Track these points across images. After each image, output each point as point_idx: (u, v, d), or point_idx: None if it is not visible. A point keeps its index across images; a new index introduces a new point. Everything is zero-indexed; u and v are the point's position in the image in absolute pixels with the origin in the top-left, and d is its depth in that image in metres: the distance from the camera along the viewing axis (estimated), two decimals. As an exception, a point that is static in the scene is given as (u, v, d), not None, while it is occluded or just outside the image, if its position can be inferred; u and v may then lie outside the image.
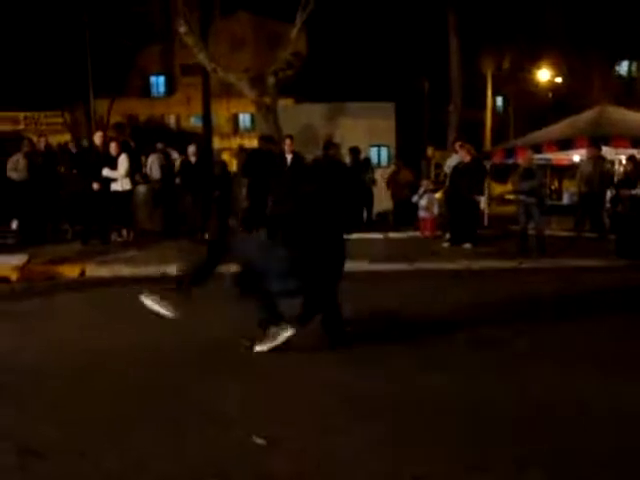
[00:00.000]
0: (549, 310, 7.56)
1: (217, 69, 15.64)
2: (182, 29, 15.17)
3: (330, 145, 14.79)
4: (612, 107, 16.61)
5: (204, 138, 26.05)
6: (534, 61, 36.43)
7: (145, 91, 43.16)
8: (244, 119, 41.06)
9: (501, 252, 11.41)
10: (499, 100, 41.93)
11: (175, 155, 15.37)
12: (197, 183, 13.53)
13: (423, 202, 14.03)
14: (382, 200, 16.40)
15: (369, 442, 3.97)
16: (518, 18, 33.06)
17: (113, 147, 12.72)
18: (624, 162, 14.70)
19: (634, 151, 14.11)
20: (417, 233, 14.04)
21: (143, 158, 14.69)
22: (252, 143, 24.41)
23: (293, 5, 15.33)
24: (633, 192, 12.58)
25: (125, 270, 9.92)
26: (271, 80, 15.16)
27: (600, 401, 4.68)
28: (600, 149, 13.69)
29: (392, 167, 17.34)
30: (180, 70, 41.38)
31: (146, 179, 14.15)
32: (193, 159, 13.95)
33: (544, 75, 37.07)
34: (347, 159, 15.21)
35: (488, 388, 4.96)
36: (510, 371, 5.40)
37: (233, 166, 18.97)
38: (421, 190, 14.51)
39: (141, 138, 20.78)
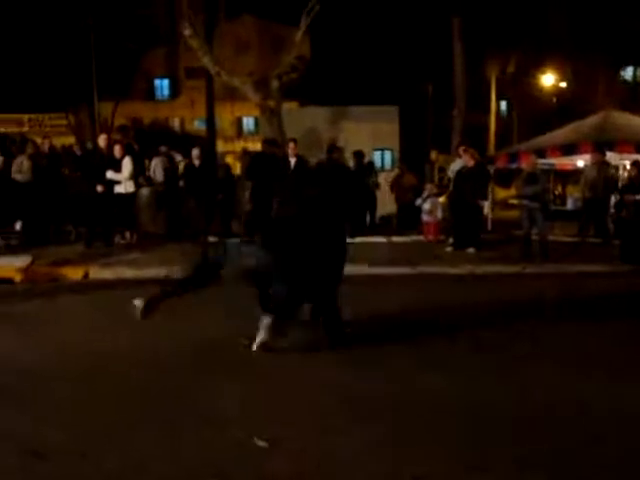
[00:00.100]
0: (551, 314, 7.54)
1: (221, 72, 15.63)
2: (187, 32, 15.18)
3: (334, 149, 14.81)
4: (617, 112, 16.59)
5: (208, 141, 26.09)
6: (538, 66, 36.40)
7: (149, 94, 43.21)
8: (248, 122, 41.08)
9: (504, 257, 11.39)
10: (503, 104, 41.89)
11: (179, 158, 15.39)
12: (201, 186, 13.54)
13: (427, 206, 14.02)
14: (385, 204, 16.39)
15: (369, 443, 3.97)
16: (523, 22, 33.05)
17: (117, 150, 12.73)
18: (628, 167, 14.66)
19: (639, 156, 14.08)
20: (420, 237, 14.02)
21: (147, 161, 14.70)
22: (256, 146, 24.42)
23: (298, 9, 15.34)
24: (637, 197, 12.53)
25: (128, 272, 9.93)
26: (275, 83, 15.16)
27: (601, 402, 4.68)
28: (604, 154, 13.67)
29: (396, 171, 17.34)
30: (184, 73, 41.43)
31: (150, 182, 14.16)
32: (197, 162, 13.98)
33: (548, 80, 37.04)
34: (351, 163, 15.22)
35: (488, 389, 4.97)
36: (510, 372, 5.40)
37: (237, 169, 18.99)
38: (425, 194, 14.49)
39: (145, 141, 20.82)
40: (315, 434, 4.09)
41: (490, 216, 15.78)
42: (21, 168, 12.81)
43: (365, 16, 31.28)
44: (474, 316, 7.43)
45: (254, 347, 5.75)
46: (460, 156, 13.67)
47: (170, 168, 14.34)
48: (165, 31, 35.79)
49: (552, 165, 17.42)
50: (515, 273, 10.29)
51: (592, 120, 16.09)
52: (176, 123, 40.54)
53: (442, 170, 23.42)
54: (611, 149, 13.94)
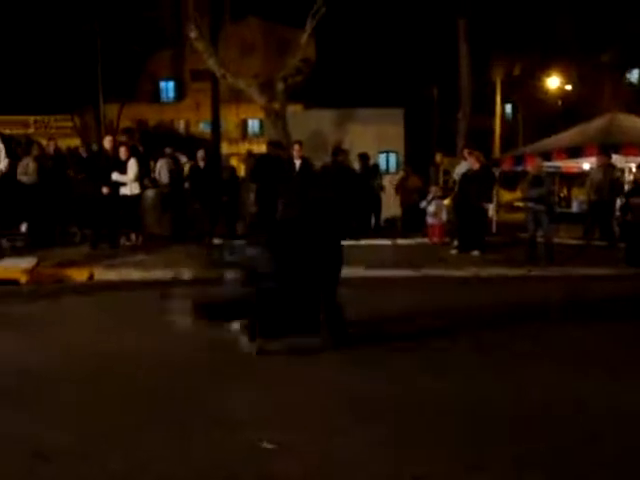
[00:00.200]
0: (555, 316, 7.53)
1: (227, 75, 15.67)
2: (192, 34, 15.22)
3: (339, 151, 14.82)
4: (622, 115, 16.55)
5: (213, 143, 26.13)
6: (544, 68, 36.35)
7: (155, 96, 43.28)
8: (253, 125, 41.12)
9: (509, 260, 11.37)
10: (508, 107, 41.84)
11: (183, 159, 15.42)
12: (206, 188, 13.56)
13: (431, 208, 14.01)
14: (390, 206, 16.39)
15: (372, 443, 3.98)
16: (528, 25, 33.02)
17: (122, 151, 12.75)
18: (634, 170, 14.64)
19: (644, 159, 14.08)
20: (425, 239, 14.01)
21: (152, 163, 14.73)
22: (260, 149, 24.44)
23: (303, 11, 15.35)
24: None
25: (133, 274, 9.94)
26: (280, 86, 15.18)
27: (599, 401, 4.70)
28: (610, 157, 13.64)
29: (401, 173, 17.33)
30: (190, 75, 41.50)
31: (155, 184, 14.18)
32: (202, 164, 14.00)
33: (554, 82, 36.99)
34: (356, 165, 15.22)
35: (488, 389, 4.98)
36: (511, 373, 5.42)
37: (241, 171, 19.00)
38: (429, 196, 14.49)
39: (150, 143, 20.84)
40: (321, 435, 4.09)
41: (495, 219, 15.75)
42: (27, 170, 12.83)
43: (370, 18, 31.28)
44: (477, 318, 7.43)
45: (246, 350, 5.75)
46: (465, 159, 13.66)
47: (175, 170, 14.36)
48: (171, 33, 35.85)
49: (558, 168, 17.39)
50: (520, 276, 10.27)
51: (598, 123, 16.06)
52: (181, 125, 40.60)
53: (447, 173, 23.40)
54: (617, 152, 13.91)
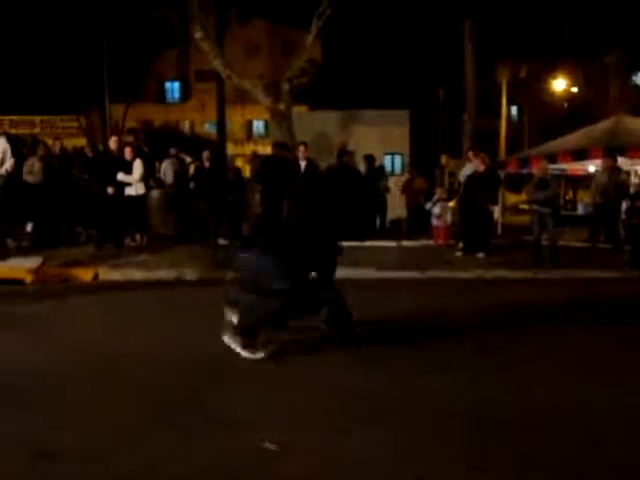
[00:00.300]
0: (560, 319, 7.51)
1: (232, 75, 15.68)
2: (198, 35, 15.23)
3: (344, 153, 14.83)
4: (628, 117, 16.52)
5: (218, 144, 26.14)
6: (550, 71, 36.31)
7: (160, 96, 43.36)
8: (258, 125, 41.17)
9: (514, 262, 11.35)
10: (514, 109, 41.80)
11: (188, 160, 15.43)
12: (211, 188, 13.57)
13: (436, 210, 13.99)
14: (395, 208, 16.38)
15: (375, 444, 3.98)
16: (534, 27, 32.98)
17: (128, 152, 12.76)
18: (640, 173, 14.63)
19: (650, 162, 14.05)
20: (430, 241, 13.99)
21: (157, 163, 14.75)
22: (266, 150, 24.46)
23: (309, 12, 15.35)
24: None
25: (137, 274, 9.96)
26: (285, 87, 15.18)
27: (603, 403, 4.69)
28: (616, 160, 13.60)
29: (406, 175, 17.32)
30: (195, 76, 41.57)
31: (160, 184, 14.20)
32: (207, 164, 14.01)
33: (559, 85, 36.94)
34: (361, 167, 15.22)
35: (491, 391, 4.98)
36: (515, 375, 5.42)
37: (246, 172, 19.01)
38: (435, 198, 14.47)
39: (155, 143, 20.86)
40: (323, 436, 4.10)
41: (500, 221, 15.73)
42: (32, 170, 12.86)
43: (376, 20, 31.27)
44: (481, 320, 7.44)
45: (243, 355, 5.76)
46: (470, 160, 13.65)
47: (180, 170, 14.38)
48: (176, 34, 35.90)
49: (563, 170, 17.36)
50: (525, 278, 10.26)
51: (603, 125, 16.03)
52: (186, 126, 40.67)
53: (452, 175, 23.39)
54: (622, 154, 13.88)
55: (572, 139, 16.19)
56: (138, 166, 12.60)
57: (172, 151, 14.78)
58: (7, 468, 3.65)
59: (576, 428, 4.30)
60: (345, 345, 5.93)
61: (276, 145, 14.05)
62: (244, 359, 5.68)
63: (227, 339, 5.81)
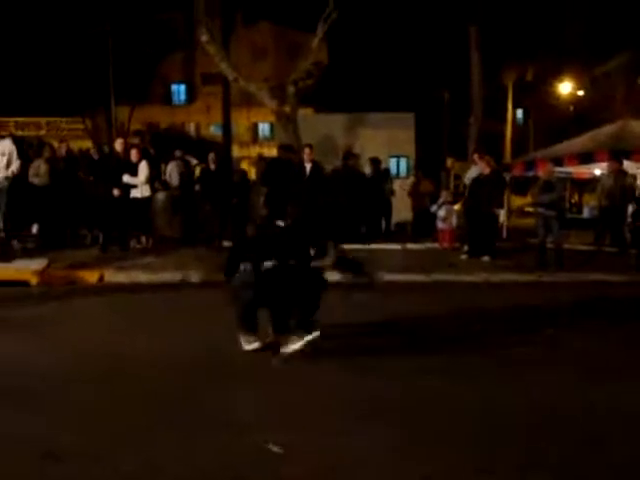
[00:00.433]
0: (564, 322, 7.48)
1: (238, 78, 15.70)
2: (204, 38, 15.25)
3: (349, 155, 14.83)
4: (634, 121, 16.47)
5: (224, 147, 26.17)
6: (556, 74, 36.27)
7: (166, 99, 43.47)
8: (263, 128, 41.23)
9: (519, 265, 11.33)
10: (519, 112, 41.76)
11: (194, 162, 15.46)
12: (216, 191, 13.59)
13: (441, 213, 13.99)
14: (400, 211, 16.38)
15: (378, 445, 3.97)
16: (540, 31, 32.97)
17: (134, 154, 12.79)
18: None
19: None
20: (435, 244, 13.99)
21: (163, 165, 14.77)
22: (271, 152, 24.48)
23: (315, 15, 15.37)
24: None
25: (143, 276, 9.97)
26: (291, 90, 15.20)
27: (605, 405, 4.68)
28: (621, 163, 13.58)
29: (411, 178, 17.32)
30: (201, 79, 41.65)
31: (165, 186, 14.22)
32: (213, 167, 14.03)
33: (566, 88, 36.90)
34: (366, 169, 15.23)
35: (492, 392, 4.98)
36: (517, 377, 5.41)
37: (252, 175, 19.05)
38: (440, 201, 14.47)
39: (161, 145, 20.90)
40: (324, 436, 4.10)
41: (506, 224, 15.71)
42: (38, 172, 12.90)
43: (382, 23, 31.31)
44: (485, 323, 7.43)
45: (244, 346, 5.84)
46: (475, 163, 13.64)
47: (186, 172, 14.41)
48: (182, 37, 35.97)
49: (569, 173, 17.34)
50: (530, 281, 10.24)
51: (609, 128, 16.01)
52: (192, 128, 40.76)
53: (458, 177, 23.38)
54: (628, 158, 13.85)
55: (578, 142, 16.17)
56: (144, 168, 12.63)
57: (178, 153, 14.81)
58: (13, 469, 3.66)
59: (577, 428, 4.29)
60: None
61: (282, 147, 14.06)
62: (247, 361, 5.68)
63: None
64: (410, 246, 13.85)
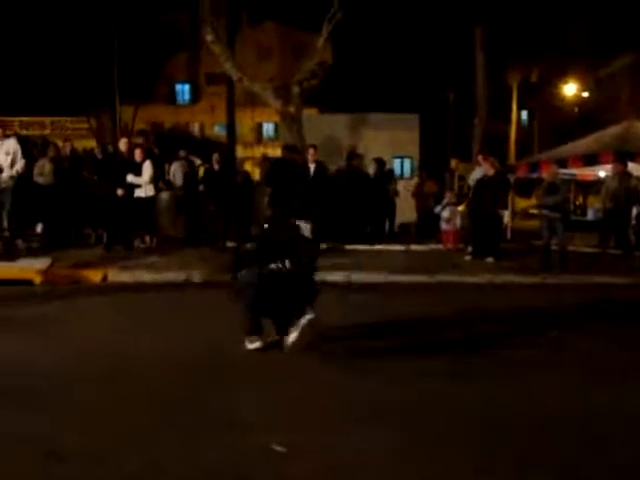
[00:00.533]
0: (567, 323, 7.46)
1: (243, 79, 15.69)
2: (209, 37, 15.24)
3: (354, 156, 14.82)
4: (639, 122, 16.45)
5: (228, 147, 26.16)
6: (560, 75, 36.23)
7: (170, 98, 43.51)
8: (268, 128, 41.26)
9: (523, 267, 11.31)
10: (524, 114, 41.72)
11: (198, 162, 15.45)
12: (220, 191, 13.58)
13: (445, 214, 13.97)
14: (404, 211, 16.36)
15: (377, 444, 3.97)
16: (545, 32, 32.93)
17: (138, 153, 12.79)
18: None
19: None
20: (439, 245, 13.97)
21: (167, 165, 14.77)
22: (275, 152, 24.48)
23: (319, 15, 15.36)
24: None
25: (146, 276, 9.97)
26: (296, 90, 15.19)
27: (609, 407, 4.66)
28: (626, 165, 13.55)
29: (415, 179, 17.29)
30: (205, 79, 41.68)
31: (170, 186, 14.23)
32: (217, 167, 14.03)
33: (570, 89, 36.85)
34: (370, 170, 15.21)
35: (491, 391, 4.97)
36: (517, 378, 5.41)
37: (256, 175, 19.03)
38: (444, 202, 14.45)
39: (165, 145, 20.90)
40: (325, 436, 4.09)
41: (510, 225, 15.69)
42: (43, 171, 12.91)
43: (387, 23, 31.29)
44: (488, 324, 7.44)
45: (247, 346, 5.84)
46: (480, 164, 13.62)
47: (190, 172, 14.40)
48: (187, 36, 35.99)
49: (573, 175, 17.31)
50: (534, 283, 10.23)
51: (614, 130, 15.99)
52: (196, 128, 40.80)
53: (462, 179, 23.36)
54: (633, 160, 13.82)
55: (582, 144, 16.15)
56: (148, 168, 12.64)
57: (182, 153, 14.81)
58: (16, 468, 3.66)
59: (579, 430, 4.28)
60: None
61: (286, 148, 14.04)
62: (249, 361, 5.68)
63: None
64: (414, 247, 13.83)
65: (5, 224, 11.66)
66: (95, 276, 9.94)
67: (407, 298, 8.98)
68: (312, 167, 13.41)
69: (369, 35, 32.04)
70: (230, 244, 12.81)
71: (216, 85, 33.98)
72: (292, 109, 15.29)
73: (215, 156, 14.28)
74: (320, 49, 15.85)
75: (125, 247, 12.29)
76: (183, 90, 44.60)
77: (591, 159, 14.72)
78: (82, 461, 3.74)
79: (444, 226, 14.07)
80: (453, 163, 31.99)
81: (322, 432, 4.19)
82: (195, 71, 42.64)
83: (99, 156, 14.08)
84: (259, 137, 41.60)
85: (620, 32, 31.48)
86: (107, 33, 28.34)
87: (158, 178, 13.43)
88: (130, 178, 12.50)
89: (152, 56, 32.96)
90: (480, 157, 13.60)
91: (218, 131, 36.59)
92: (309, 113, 21.04)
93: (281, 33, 40.62)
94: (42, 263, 10.26)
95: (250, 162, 30.17)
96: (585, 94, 37.14)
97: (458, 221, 13.89)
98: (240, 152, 31.55)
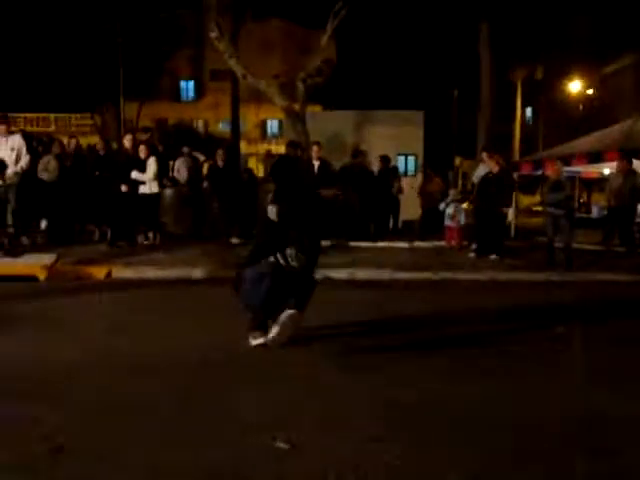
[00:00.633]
0: (570, 321, 7.42)
1: (247, 75, 15.68)
2: (213, 34, 15.24)
3: (358, 153, 14.82)
4: (644, 120, 16.41)
5: (232, 143, 26.18)
6: (565, 73, 36.16)
7: (175, 95, 43.53)
8: (272, 125, 41.27)
9: (527, 264, 11.31)
10: (529, 111, 41.65)
11: (202, 158, 15.46)
12: (224, 187, 13.59)
13: (449, 211, 13.96)
14: (408, 208, 16.35)
15: (380, 445, 3.96)
16: (549, 29, 32.87)
17: (142, 150, 12.81)
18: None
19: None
20: (443, 243, 13.97)
21: (171, 162, 14.79)
22: (279, 149, 24.50)
23: (324, 12, 15.33)
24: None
25: (150, 272, 9.99)
26: (301, 87, 15.17)
27: (613, 409, 4.64)
28: (631, 162, 13.52)
29: (419, 176, 17.27)
30: (209, 75, 41.69)
31: (174, 182, 14.24)
32: (221, 163, 14.04)
33: (575, 86, 36.78)
34: (374, 167, 15.21)
35: (490, 391, 4.97)
36: (519, 377, 5.39)
37: (260, 172, 19.06)
38: (448, 199, 14.44)
39: (169, 142, 20.93)
40: (327, 437, 4.08)
41: (514, 223, 15.68)
42: (47, 167, 12.94)
43: (391, 20, 31.24)
44: (491, 322, 7.42)
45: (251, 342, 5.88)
46: (483, 162, 13.60)
47: (194, 169, 14.42)
48: (192, 33, 36.00)
49: (578, 172, 17.28)
50: (538, 281, 10.22)
51: (619, 127, 15.95)
52: (200, 125, 40.81)
53: (465, 176, 23.34)
54: (638, 157, 13.79)
55: (587, 141, 16.11)
56: (152, 164, 12.66)
57: (185, 150, 14.82)
58: (20, 462, 3.67)
59: (579, 429, 4.28)
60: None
61: (290, 145, 14.05)
62: (250, 358, 5.70)
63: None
64: (418, 244, 13.83)
65: (10, 220, 11.69)
66: (99, 272, 9.96)
67: (410, 295, 8.98)
68: (316, 164, 13.41)
69: (373, 32, 32.01)
70: (234, 240, 12.83)
71: (220, 82, 34.04)
72: (297, 106, 15.28)
73: (219, 152, 14.29)
74: (324, 46, 15.83)
75: (129, 243, 12.32)
76: (187, 87, 44.61)
77: (596, 156, 14.69)
78: (83, 458, 3.75)
79: (448, 223, 14.06)
80: (457, 161, 31.97)
81: (322, 431, 4.18)
82: (199, 68, 42.65)
83: (102, 153, 14.10)
84: (263, 134, 41.62)
85: (625, 29, 31.42)
86: (111, 30, 28.41)
87: (162, 175, 13.44)
88: (134, 174, 12.53)
89: (156, 53, 32.98)
90: (485, 154, 13.58)
91: (222, 128, 36.62)
92: (313, 110, 21.02)
93: (285, 30, 40.59)
94: (47, 259, 10.29)
95: (254, 159, 30.18)
96: (590, 91, 37.07)
97: (462, 218, 13.89)
98: (244, 149, 31.63)
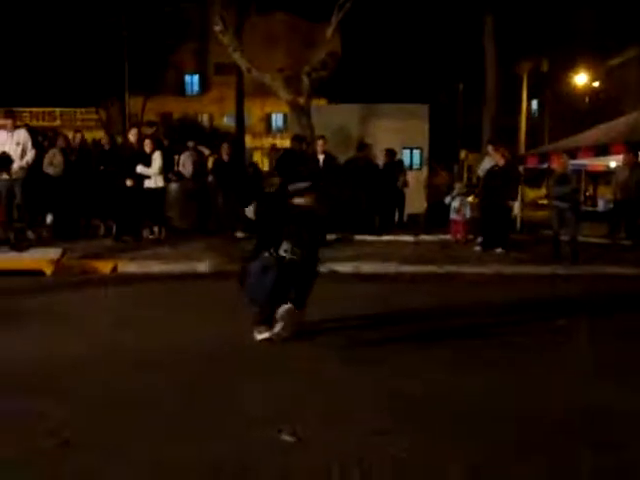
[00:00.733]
0: (575, 314, 7.43)
1: (252, 69, 15.67)
2: (217, 27, 15.23)
3: (363, 146, 14.79)
4: (651, 112, 16.35)
5: (237, 137, 26.18)
6: (571, 65, 36.01)
7: (179, 89, 43.53)
8: (277, 119, 41.24)
9: (533, 258, 11.29)
10: (534, 104, 41.50)
11: (207, 152, 15.46)
12: (229, 181, 13.60)
13: (455, 204, 13.93)
14: (413, 202, 16.33)
15: (384, 438, 3.96)
16: (554, 21, 32.73)
17: (147, 144, 12.81)
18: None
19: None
20: (448, 236, 13.95)
21: (176, 156, 14.80)
22: (284, 143, 24.48)
23: (329, 5, 15.31)
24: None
25: (156, 267, 10.00)
26: (306, 80, 15.15)
27: (614, 399, 4.64)
28: (637, 155, 13.48)
29: (425, 170, 17.24)
30: (214, 69, 41.66)
31: (179, 177, 14.25)
32: (226, 157, 14.04)
33: (581, 79, 36.63)
34: (379, 160, 15.19)
35: (493, 383, 4.97)
36: (522, 370, 5.39)
37: (264, 166, 19.06)
38: (453, 192, 14.41)
39: (174, 136, 20.93)
40: (330, 431, 4.09)
41: (520, 216, 15.65)
42: (53, 162, 12.95)
43: (396, 13, 31.15)
44: (496, 315, 7.42)
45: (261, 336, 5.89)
46: (489, 155, 13.57)
47: (199, 163, 14.42)
48: (196, 27, 35.97)
49: (584, 166, 17.22)
50: (543, 274, 10.19)
51: (625, 120, 15.89)
52: (205, 119, 40.81)
53: (471, 169, 23.29)
54: (644, 150, 13.74)
55: (593, 134, 16.06)
56: (157, 159, 12.66)
57: (190, 144, 14.82)
58: (29, 458, 3.69)
59: (582, 422, 4.28)
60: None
61: (295, 138, 14.04)
62: (255, 352, 5.71)
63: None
64: (423, 237, 13.82)
65: (16, 215, 11.71)
66: (105, 267, 9.97)
67: (415, 289, 8.98)
68: (321, 158, 13.40)
69: (378, 25, 31.92)
70: (239, 234, 12.83)
71: (225, 75, 34.06)
72: (301, 100, 15.27)
73: (224, 146, 14.30)
74: (329, 39, 15.80)
75: (134, 238, 12.33)
76: (192, 81, 44.60)
77: (602, 149, 14.63)
78: (89, 452, 3.76)
79: (453, 216, 14.03)
80: (462, 154, 31.88)
81: (326, 424, 4.19)
82: (204, 61, 42.64)
83: (107, 147, 14.12)
84: (268, 127, 41.59)
85: (631, 21, 31.26)
86: (116, 24, 28.39)
87: (167, 169, 13.45)
88: (139, 169, 12.53)
89: (161, 47, 32.95)
90: (491, 147, 13.56)
91: (227, 121, 36.61)
92: (318, 104, 20.99)
93: (290, 23, 40.53)
94: (53, 254, 10.31)
95: (259, 152, 30.18)
96: (596, 84, 36.92)
97: (467, 212, 13.86)
98: (249, 142, 31.65)
